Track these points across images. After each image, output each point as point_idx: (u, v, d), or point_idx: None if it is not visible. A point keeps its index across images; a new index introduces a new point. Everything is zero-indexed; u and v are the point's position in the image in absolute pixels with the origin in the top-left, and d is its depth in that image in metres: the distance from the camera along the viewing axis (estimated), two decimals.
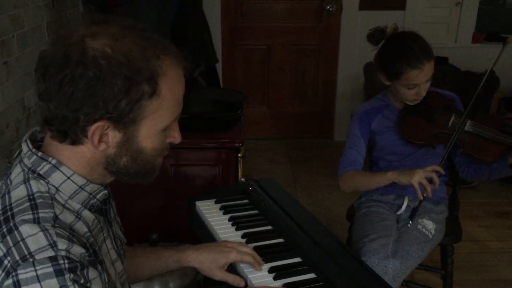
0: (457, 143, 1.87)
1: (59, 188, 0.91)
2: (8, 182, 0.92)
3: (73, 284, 0.80)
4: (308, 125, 4.29)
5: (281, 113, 4.27)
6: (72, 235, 0.85)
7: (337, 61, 4.08)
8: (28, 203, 0.86)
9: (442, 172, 1.79)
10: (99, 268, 0.89)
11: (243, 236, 1.42)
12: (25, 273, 0.79)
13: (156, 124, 0.91)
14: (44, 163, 0.91)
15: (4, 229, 0.83)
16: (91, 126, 0.86)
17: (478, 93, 1.81)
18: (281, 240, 1.41)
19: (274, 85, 4.19)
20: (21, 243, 0.81)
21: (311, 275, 1.25)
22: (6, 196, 0.88)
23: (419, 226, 1.87)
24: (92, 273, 0.85)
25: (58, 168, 0.91)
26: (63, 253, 0.81)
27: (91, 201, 0.96)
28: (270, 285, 1.21)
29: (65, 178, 0.91)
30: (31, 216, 0.84)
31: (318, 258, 1.29)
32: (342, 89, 4.15)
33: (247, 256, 1.24)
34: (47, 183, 0.90)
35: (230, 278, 1.22)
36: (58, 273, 0.79)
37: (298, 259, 1.31)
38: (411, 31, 1.87)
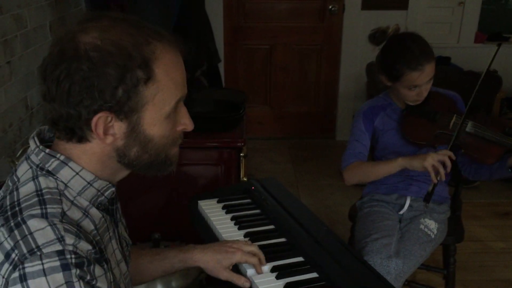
0: (458, 144, 1.86)
1: (68, 184, 0.91)
2: (15, 179, 0.92)
3: (79, 280, 0.80)
4: (310, 125, 4.29)
5: (283, 113, 4.27)
6: (79, 231, 0.86)
7: (339, 61, 4.08)
8: (36, 199, 0.86)
9: (453, 157, 1.77)
10: (105, 266, 0.89)
11: (245, 236, 1.42)
12: (31, 267, 0.79)
13: (158, 110, 0.91)
14: (53, 159, 0.91)
15: (12, 224, 0.83)
16: (93, 119, 0.87)
17: (475, 95, 1.80)
18: (283, 239, 1.41)
19: (276, 85, 4.19)
20: (29, 237, 0.81)
21: (314, 275, 1.25)
22: (14, 193, 0.89)
23: (422, 226, 1.87)
24: (98, 271, 0.85)
25: (66, 164, 0.91)
26: (71, 248, 0.81)
27: (99, 199, 0.96)
28: (272, 284, 1.21)
29: (74, 173, 0.92)
30: (39, 211, 0.84)
31: (320, 258, 1.29)
32: (344, 89, 4.15)
33: (251, 258, 1.24)
34: (56, 179, 0.91)
35: (235, 278, 1.22)
36: (65, 267, 0.80)
37: (300, 259, 1.31)
38: (411, 32, 1.87)
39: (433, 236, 1.86)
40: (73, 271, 0.80)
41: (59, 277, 0.79)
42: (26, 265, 0.79)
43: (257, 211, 1.57)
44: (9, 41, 2.02)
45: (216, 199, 1.63)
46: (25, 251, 0.80)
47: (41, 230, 0.82)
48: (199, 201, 1.62)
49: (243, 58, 4.10)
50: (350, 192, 3.27)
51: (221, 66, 3.82)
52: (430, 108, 1.90)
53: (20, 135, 2.10)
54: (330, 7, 3.93)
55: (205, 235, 1.50)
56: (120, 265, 1.04)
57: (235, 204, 1.60)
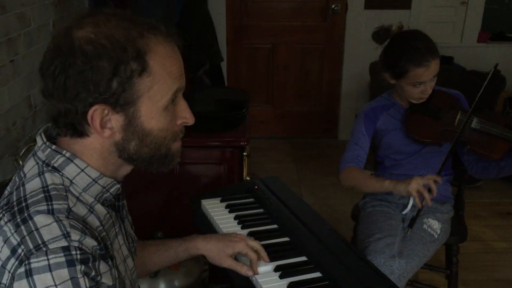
0: (463, 140, 1.86)
1: (73, 181, 0.92)
2: (22, 175, 0.93)
3: (83, 276, 0.81)
4: (313, 125, 4.29)
5: (285, 112, 4.27)
6: (85, 228, 0.86)
7: (342, 60, 4.08)
8: (42, 195, 0.87)
9: (440, 181, 1.77)
10: (110, 263, 0.90)
11: (248, 235, 1.41)
12: (37, 262, 0.79)
13: (155, 102, 0.91)
14: (59, 155, 0.92)
15: (18, 219, 0.84)
16: (89, 111, 0.88)
17: (483, 90, 1.80)
18: (286, 239, 1.41)
19: (278, 84, 4.19)
20: (35, 232, 0.82)
21: (317, 274, 1.25)
22: (21, 188, 0.89)
23: (425, 226, 1.87)
24: (103, 267, 0.86)
25: (72, 161, 0.92)
26: (76, 244, 0.82)
27: (104, 195, 0.97)
28: (275, 284, 1.21)
29: (79, 170, 0.92)
30: (45, 207, 0.85)
31: (324, 257, 1.29)
32: (346, 89, 4.14)
33: (252, 252, 1.24)
34: (62, 175, 0.91)
35: (238, 267, 1.23)
36: (70, 263, 0.80)
37: (303, 258, 1.31)
38: (415, 29, 1.87)
39: (436, 236, 1.86)
40: (78, 267, 0.81)
41: (64, 272, 0.80)
42: (32, 260, 0.80)
43: (260, 210, 1.57)
44: (13, 39, 2.02)
45: (219, 198, 1.63)
46: (31, 246, 0.80)
47: (47, 226, 0.82)
48: (202, 200, 1.62)
49: (245, 57, 4.10)
50: (352, 191, 3.24)
51: (223, 65, 3.82)
52: (434, 106, 1.90)
53: (24, 133, 2.11)
54: (333, 6, 3.93)
55: None
56: (127, 260, 1.05)
57: (238, 203, 1.60)
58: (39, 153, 0.93)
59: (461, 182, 2.16)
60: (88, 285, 0.81)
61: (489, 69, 1.93)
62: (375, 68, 3.27)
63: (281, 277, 1.23)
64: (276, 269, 1.25)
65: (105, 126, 0.90)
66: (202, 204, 1.60)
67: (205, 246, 1.25)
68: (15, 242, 0.82)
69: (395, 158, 1.99)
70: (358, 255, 1.34)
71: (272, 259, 1.28)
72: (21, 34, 2.09)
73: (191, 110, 1.00)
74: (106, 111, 0.89)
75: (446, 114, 1.90)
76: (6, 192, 0.93)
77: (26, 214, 0.84)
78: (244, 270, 1.22)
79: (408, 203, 1.96)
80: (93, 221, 0.92)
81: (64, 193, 0.89)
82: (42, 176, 0.90)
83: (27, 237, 0.81)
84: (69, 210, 0.87)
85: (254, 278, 1.23)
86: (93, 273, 0.83)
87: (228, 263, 1.23)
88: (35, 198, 0.87)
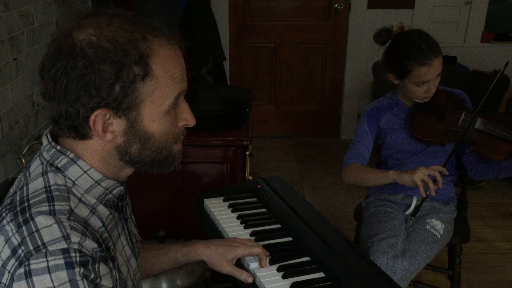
0: (467, 141, 1.86)
1: (76, 182, 0.92)
2: (27, 174, 0.93)
3: (82, 279, 0.81)
4: (315, 124, 4.29)
5: (288, 112, 4.26)
6: (86, 229, 0.86)
7: (345, 60, 4.07)
8: (44, 195, 0.87)
9: (446, 173, 1.76)
10: (111, 264, 0.89)
11: (251, 234, 1.41)
12: (37, 263, 0.79)
13: (157, 106, 0.90)
14: (62, 156, 0.92)
15: (20, 219, 0.84)
16: (91, 116, 0.87)
17: (490, 90, 1.79)
18: (289, 238, 1.41)
19: (281, 83, 4.18)
20: (35, 233, 0.81)
21: (320, 274, 1.24)
22: (24, 188, 0.89)
23: (428, 226, 1.86)
24: (103, 269, 0.85)
25: (75, 162, 0.92)
26: (76, 246, 0.82)
27: (107, 196, 0.96)
28: (278, 284, 1.20)
29: (82, 172, 0.92)
30: (47, 208, 0.85)
31: (327, 257, 1.28)
32: (349, 88, 4.14)
33: (255, 248, 1.24)
34: (64, 176, 0.91)
35: (238, 273, 1.22)
36: (69, 265, 0.80)
37: (306, 258, 1.31)
38: (417, 29, 1.87)
39: (439, 237, 1.85)
40: (77, 269, 0.81)
41: (63, 275, 0.79)
42: (31, 261, 0.79)
43: (263, 209, 1.56)
44: (16, 37, 2.02)
45: (222, 198, 1.62)
46: (31, 247, 0.80)
47: (47, 228, 0.82)
48: (205, 199, 1.61)
49: (249, 56, 4.10)
50: (354, 191, 3.26)
51: (226, 64, 3.82)
52: (438, 106, 1.89)
53: (26, 131, 2.10)
54: (336, 5, 3.92)
55: (211, 234, 1.50)
56: (130, 261, 1.04)
57: (241, 202, 1.60)
58: (44, 153, 0.93)
59: (464, 183, 2.15)
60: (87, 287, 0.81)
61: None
62: (378, 68, 3.27)
63: (284, 277, 1.22)
64: (279, 269, 1.25)
65: (107, 130, 0.90)
66: (204, 203, 1.60)
67: (205, 252, 1.24)
68: (16, 243, 0.82)
69: (398, 158, 1.98)
70: (361, 255, 1.34)
71: (275, 259, 1.27)
72: (24, 32, 2.09)
73: (192, 110, 0.99)
74: (108, 116, 0.88)
75: (451, 113, 1.89)
76: (11, 191, 0.93)
77: (28, 215, 0.84)
78: (244, 277, 1.21)
79: (411, 203, 1.96)
80: (95, 222, 0.91)
81: (66, 194, 0.89)
82: (45, 176, 0.90)
83: (27, 238, 0.81)
84: (70, 212, 0.86)
85: (257, 278, 1.22)
86: (92, 276, 0.82)
87: (228, 269, 1.23)
88: (37, 199, 0.86)
